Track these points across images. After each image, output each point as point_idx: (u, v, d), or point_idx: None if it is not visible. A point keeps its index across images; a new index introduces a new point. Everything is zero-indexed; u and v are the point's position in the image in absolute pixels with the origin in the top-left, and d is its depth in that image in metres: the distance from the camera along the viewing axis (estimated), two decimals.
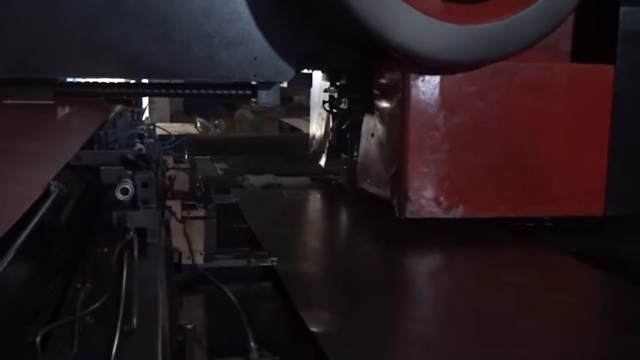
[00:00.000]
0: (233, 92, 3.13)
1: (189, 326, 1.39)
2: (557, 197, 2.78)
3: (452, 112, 2.67)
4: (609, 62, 2.75)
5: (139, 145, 2.28)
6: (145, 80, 3.12)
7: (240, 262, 2.24)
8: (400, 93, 2.69)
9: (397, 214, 2.71)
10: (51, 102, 2.65)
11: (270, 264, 2.27)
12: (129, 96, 3.77)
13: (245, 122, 9.24)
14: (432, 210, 2.68)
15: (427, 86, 2.64)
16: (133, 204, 1.70)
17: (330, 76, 3.51)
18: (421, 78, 2.63)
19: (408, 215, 2.68)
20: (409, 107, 2.65)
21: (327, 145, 3.63)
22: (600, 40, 2.80)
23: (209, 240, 2.20)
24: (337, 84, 3.45)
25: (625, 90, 2.74)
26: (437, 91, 2.65)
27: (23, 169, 1.52)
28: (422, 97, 2.64)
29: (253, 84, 3.04)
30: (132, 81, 3.10)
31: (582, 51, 2.85)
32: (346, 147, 3.40)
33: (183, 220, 2.17)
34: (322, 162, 3.71)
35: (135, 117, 2.93)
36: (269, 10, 2.84)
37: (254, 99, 3.11)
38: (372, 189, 3.01)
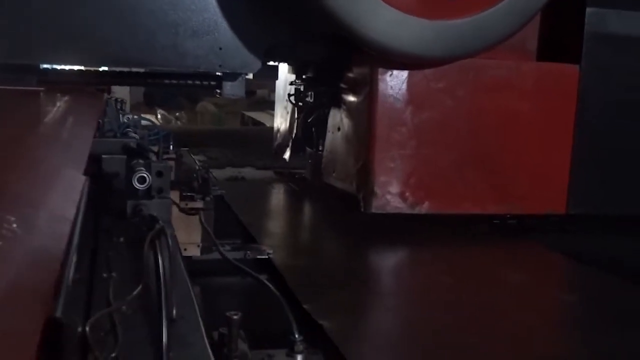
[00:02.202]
0: (198, 82, 3.09)
1: (235, 317, 1.37)
2: (521, 195, 2.80)
3: (420, 107, 2.66)
4: (574, 62, 2.77)
5: (132, 134, 2.26)
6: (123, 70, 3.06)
7: (237, 255, 2.20)
8: (368, 87, 2.67)
9: (362, 209, 2.70)
10: (41, 89, 2.56)
11: (266, 256, 2.25)
12: (114, 85, 3.70)
13: (207, 115, 9.15)
14: (398, 205, 2.68)
15: (395, 81, 2.63)
16: (147, 193, 1.69)
17: (297, 69, 3.47)
18: (389, 73, 2.62)
19: (374, 210, 2.67)
20: (377, 101, 2.63)
21: (292, 138, 3.59)
22: (567, 40, 2.83)
23: (207, 232, 2.17)
24: (304, 76, 3.42)
25: (590, 90, 2.78)
26: (404, 86, 2.64)
27: (59, 155, 1.48)
28: (390, 92, 2.63)
29: (218, 75, 2.99)
30: (120, 70, 3.04)
31: (548, 50, 2.87)
32: (311, 141, 3.37)
33: (197, 211, 2.14)
34: (287, 156, 3.68)
35: (119, 107, 2.87)
36: (236, 1, 2.80)
37: (218, 90, 3.06)
38: (337, 183, 2.99)
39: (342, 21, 2.37)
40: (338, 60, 2.95)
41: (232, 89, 3.02)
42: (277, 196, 3.62)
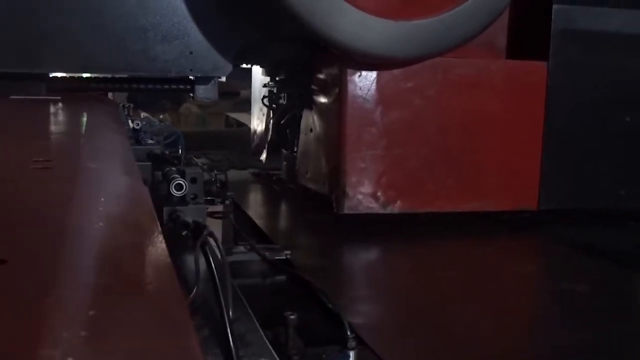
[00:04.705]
0: (172, 86, 3.09)
1: (291, 317, 1.44)
2: (493, 192, 2.82)
3: (390, 107, 2.68)
4: (542, 59, 2.79)
5: (150, 141, 2.31)
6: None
7: (257, 256, 2.26)
8: (338, 88, 2.68)
9: (335, 210, 2.71)
10: (57, 98, 2.57)
11: (284, 257, 2.28)
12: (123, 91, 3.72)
13: (191, 117, 9.13)
14: (370, 205, 2.69)
15: (365, 82, 2.64)
16: (181, 199, 1.75)
17: (269, 71, 3.48)
18: (358, 74, 2.63)
19: (346, 211, 2.68)
20: (347, 102, 2.65)
21: (268, 140, 3.60)
22: (534, 37, 2.84)
23: (227, 235, 2.20)
24: (277, 78, 3.43)
25: (558, 87, 2.80)
26: (374, 87, 2.65)
27: (115, 164, 1.50)
28: (359, 92, 2.64)
29: (191, 79, 3.00)
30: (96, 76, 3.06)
31: (517, 48, 2.89)
32: (286, 142, 3.38)
33: (225, 215, 2.20)
34: (263, 157, 3.69)
35: (127, 112, 2.90)
36: (205, 4, 2.80)
37: (191, 94, 3.07)
38: (311, 184, 3.01)
39: (307, 23, 2.38)
40: (308, 62, 2.96)
41: (205, 92, 3.04)
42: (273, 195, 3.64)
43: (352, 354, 1.53)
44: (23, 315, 0.60)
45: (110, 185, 1.25)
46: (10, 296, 0.63)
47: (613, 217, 2.99)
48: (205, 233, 1.48)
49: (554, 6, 2.76)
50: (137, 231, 0.97)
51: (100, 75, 3.11)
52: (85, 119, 2.14)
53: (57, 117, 2.19)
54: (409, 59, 2.59)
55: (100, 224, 0.94)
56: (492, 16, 2.57)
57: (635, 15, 2.83)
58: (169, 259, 0.87)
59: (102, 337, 0.60)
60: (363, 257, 2.63)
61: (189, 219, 1.64)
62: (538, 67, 2.79)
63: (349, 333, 1.55)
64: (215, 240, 1.48)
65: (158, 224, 1.05)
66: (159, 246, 0.92)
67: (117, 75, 3.12)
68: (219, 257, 1.49)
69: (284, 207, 3.44)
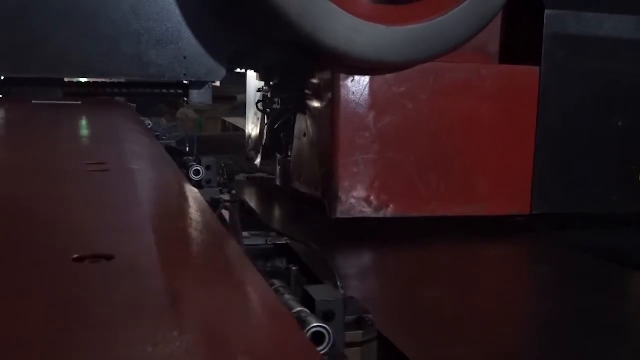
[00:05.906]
0: (165, 91, 3.10)
1: (294, 268, 1.72)
2: (486, 196, 2.83)
3: (382, 112, 2.69)
4: (534, 64, 2.81)
5: (163, 137, 2.59)
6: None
7: (260, 240, 2.34)
8: (331, 93, 2.69)
9: (328, 214, 2.71)
10: (78, 102, 2.63)
11: (285, 242, 2.35)
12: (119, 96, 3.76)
13: (188, 122, 9.12)
14: (363, 210, 2.70)
15: (357, 86, 2.65)
16: (197, 184, 1.99)
17: (263, 76, 3.49)
18: (351, 78, 2.64)
19: (339, 215, 2.69)
20: (339, 107, 2.66)
21: (262, 144, 3.61)
22: (527, 42, 2.86)
23: (233, 223, 2.29)
24: (271, 83, 3.43)
25: (550, 91, 2.81)
26: (367, 91, 2.66)
27: (162, 165, 1.59)
28: (352, 97, 2.65)
29: (185, 83, 3.01)
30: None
31: (509, 53, 2.90)
32: (280, 146, 3.39)
33: (232, 203, 2.33)
34: (258, 161, 3.69)
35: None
36: (198, 9, 2.81)
37: (186, 98, 3.08)
38: (304, 188, 3.01)
39: (300, 28, 2.39)
40: (302, 67, 2.97)
41: (199, 97, 3.04)
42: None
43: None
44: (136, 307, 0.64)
45: (168, 186, 1.35)
46: (122, 290, 0.68)
47: (605, 222, 3.01)
48: (221, 205, 1.70)
49: (546, 11, 2.77)
50: (204, 226, 1.04)
51: (99, 80, 3.13)
52: (116, 122, 2.27)
53: (89, 121, 2.33)
54: (401, 63, 2.60)
55: (178, 223, 1.03)
56: (484, 21, 2.58)
57: (626, 20, 2.84)
58: (242, 250, 0.94)
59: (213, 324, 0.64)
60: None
61: (207, 198, 1.83)
62: (530, 71, 2.81)
63: (338, 283, 1.64)
64: (230, 211, 1.71)
65: (216, 217, 1.14)
66: (232, 241, 1.01)
67: (113, 80, 3.14)
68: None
69: (277, 212, 3.47)
